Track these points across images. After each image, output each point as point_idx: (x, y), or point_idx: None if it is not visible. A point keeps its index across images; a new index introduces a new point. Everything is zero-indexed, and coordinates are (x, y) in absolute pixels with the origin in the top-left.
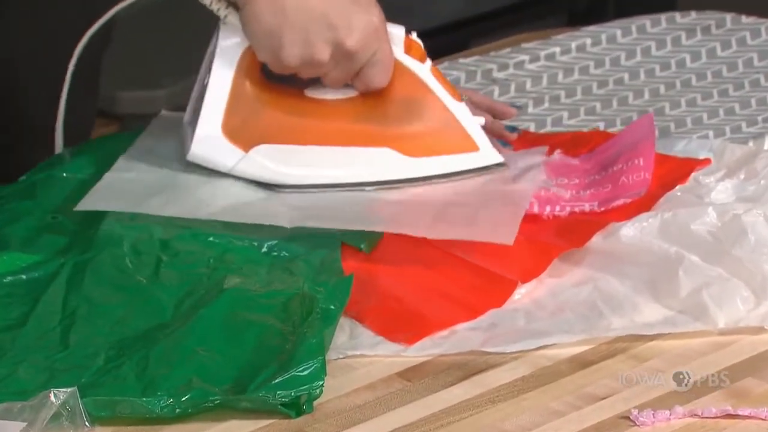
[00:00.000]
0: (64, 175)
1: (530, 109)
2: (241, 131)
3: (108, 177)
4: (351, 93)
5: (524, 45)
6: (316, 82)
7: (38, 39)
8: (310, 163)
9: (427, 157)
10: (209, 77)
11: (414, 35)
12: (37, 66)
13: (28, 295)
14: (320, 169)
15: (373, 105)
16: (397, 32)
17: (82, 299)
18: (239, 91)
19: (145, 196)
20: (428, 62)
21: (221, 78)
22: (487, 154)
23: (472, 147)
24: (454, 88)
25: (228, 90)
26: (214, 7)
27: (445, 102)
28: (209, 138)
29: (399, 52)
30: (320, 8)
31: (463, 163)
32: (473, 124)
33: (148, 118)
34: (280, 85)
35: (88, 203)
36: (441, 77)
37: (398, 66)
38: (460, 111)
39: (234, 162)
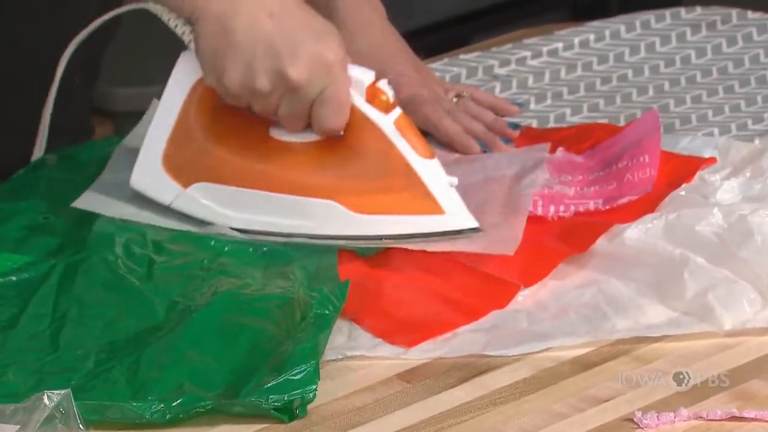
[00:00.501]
0: (57, 175)
1: (532, 106)
2: (182, 166)
3: (104, 177)
4: (314, 137)
5: (526, 41)
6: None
7: (33, 38)
8: (249, 208)
9: (377, 215)
10: (159, 105)
11: (384, 83)
12: (31, 64)
13: (18, 297)
14: (260, 215)
15: (329, 154)
16: (360, 77)
17: (73, 301)
18: (185, 122)
19: (140, 202)
20: (395, 112)
21: (169, 106)
22: (456, 218)
23: (436, 209)
24: (424, 143)
25: (174, 121)
26: (179, 30)
27: (407, 158)
28: (149, 169)
29: (358, 99)
30: (269, 32)
31: (424, 226)
32: (441, 184)
33: (142, 115)
34: (243, 121)
35: (85, 203)
36: (409, 130)
37: (359, 114)
38: (426, 169)
39: (172, 197)
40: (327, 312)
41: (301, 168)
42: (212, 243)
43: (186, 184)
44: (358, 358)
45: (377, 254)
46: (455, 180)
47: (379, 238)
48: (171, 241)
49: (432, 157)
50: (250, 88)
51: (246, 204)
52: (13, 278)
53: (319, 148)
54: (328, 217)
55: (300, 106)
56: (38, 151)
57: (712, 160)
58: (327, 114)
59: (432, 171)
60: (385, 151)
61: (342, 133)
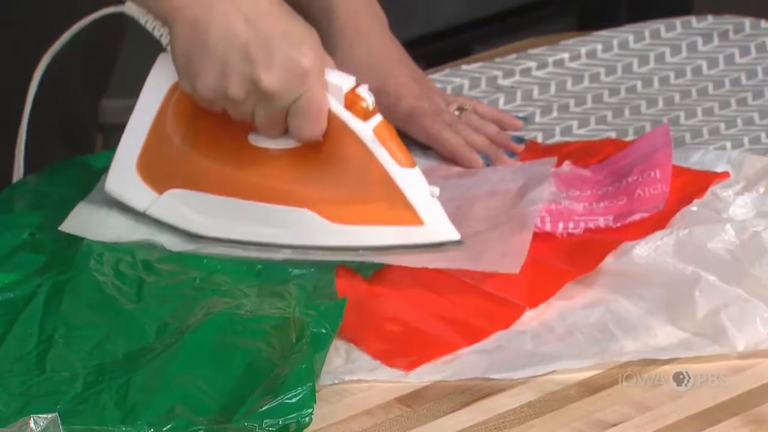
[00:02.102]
0: (45, 190)
1: (538, 119)
2: (157, 172)
3: (93, 197)
4: (292, 144)
5: (531, 51)
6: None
7: (20, 46)
8: (224, 215)
9: (354, 225)
10: (134, 109)
11: (363, 89)
12: (16, 73)
13: (3, 317)
14: (235, 223)
15: (306, 161)
16: (339, 83)
17: (60, 321)
18: (161, 127)
19: (130, 223)
20: (375, 119)
21: (144, 111)
22: (435, 229)
23: (415, 220)
24: (405, 151)
25: (149, 125)
26: (157, 33)
27: (386, 167)
28: (124, 174)
29: (337, 106)
30: (243, 38)
31: (402, 237)
32: (421, 194)
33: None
34: (221, 126)
35: (72, 226)
36: (389, 138)
37: (337, 122)
38: (406, 179)
39: (147, 203)
40: (324, 331)
41: (278, 176)
42: (204, 261)
43: (161, 190)
44: (356, 382)
45: (376, 271)
46: (437, 190)
47: (356, 249)
48: (162, 261)
49: (412, 166)
50: (223, 95)
51: (221, 211)
52: None
53: (297, 156)
54: (303, 227)
55: (275, 113)
56: (18, 166)
57: (725, 174)
58: (303, 122)
59: (412, 180)
60: (363, 159)
61: (321, 139)
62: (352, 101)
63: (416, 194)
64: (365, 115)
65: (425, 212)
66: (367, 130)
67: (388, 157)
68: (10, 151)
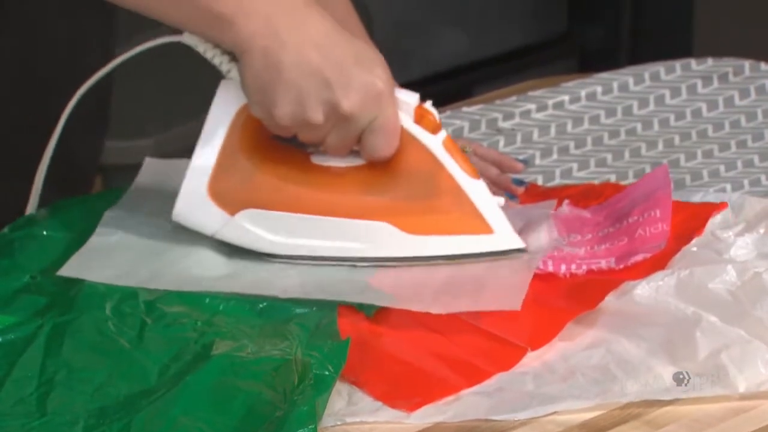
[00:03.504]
0: (45, 233)
1: (538, 161)
2: (229, 193)
3: (93, 240)
4: (358, 161)
5: (531, 93)
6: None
7: (30, 88)
8: (299, 233)
9: (429, 235)
10: (201, 134)
11: (428, 104)
12: (37, 109)
13: (3, 359)
14: (311, 240)
15: (377, 176)
16: (408, 99)
17: (61, 364)
18: (230, 151)
19: (131, 264)
20: (442, 134)
21: (212, 135)
22: (504, 237)
23: (485, 229)
24: (470, 164)
25: (218, 149)
26: (217, 60)
27: (456, 178)
28: (194, 198)
29: (408, 121)
30: (317, 65)
31: (473, 246)
32: (489, 203)
33: (133, 169)
34: (285, 148)
35: (72, 269)
36: (456, 151)
37: (407, 136)
38: (474, 189)
39: (219, 226)
40: (327, 373)
41: (352, 191)
42: (206, 301)
43: (233, 211)
44: (358, 424)
45: (379, 310)
46: (502, 200)
47: (432, 258)
48: (164, 302)
49: (478, 177)
50: (302, 120)
51: (297, 229)
52: None
53: (365, 172)
54: (382, 239)
55: (351, 134)
56: (32, 206)
57: (723, 205)
58: (379, 141)
59: (480, 191)
60: (434, 171)
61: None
62: (420, 116)
63: (485, 204)
64: (434, 129)
65: (494, 221)
66: (437, 143)
67: (457, 169)
68: (10, 189)
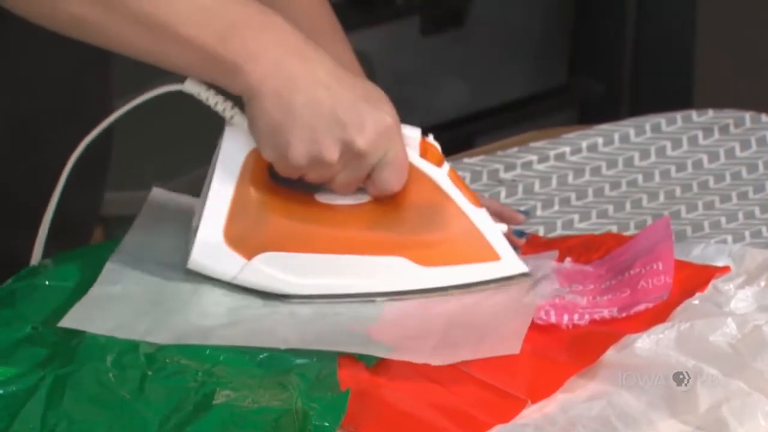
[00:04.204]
0: (47, 283)
1: (539, 212)
2: (244, 238)
3: (94, 291)
4: (364, 198)
5: (532, 144)
6: (324, 188)
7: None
8: (317, 272)
9: (443, 266)
10: (212, 182)
11: (431, 138)
12: (41, 160)
13: (4, 411)
14: (327, 279)
15: (386, 211)
16: (411, 134)
17: (62, 416)
18: (242, 196)
19: (131, 316)
20: (446, 166)
21: (224, 182)
22: (510, 263)
23: (493, 256)
24: (473, 193)
25: (231, 195)
26: (219, 107)
27: (463, 208)
28: (210, 246)
29: (414, 155)
30: (329, 104)
31: (484, 273)
32: (494, 231)
33: (133, 221)
34: (288, 190)
35: (73, 321)
36: (459, 181)
37: (413, 170)
38: (480, 218)
39: (236, 271)
40: (326, 424)
41: (364, 227)
42: (207, 352)
43: (250, 255)
44: None
45: (379, 360)
46: (504, 227)
47: (446, 288)
48: (164, 353)
49: (481, 206)
50: (317, 160)
51: (314, 269)
52: (0, 392)
53: (373, 208)
54: (398, 274)
55: (362, 171)
56: (36, 257)
57: (726, 269)
58: (390, 176)
59: (485, 220)
60: (442, 203)
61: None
62: (425, 150)
63: (490, 232)
64: (439, 161)
65: (500, 248)
66: (442, 175)
67: (463, 199)
68: (11, 239)
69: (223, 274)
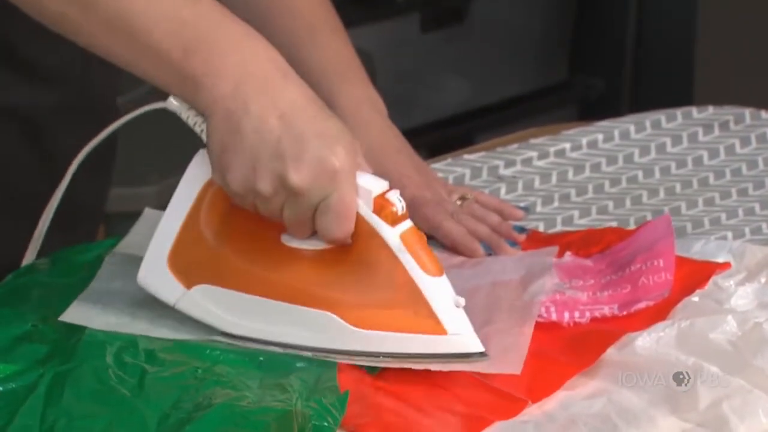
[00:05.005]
0: (47, 280)
1: (539, 208)
2: (186, 266)
3: (93, 286)
4: (323, 245)
5: (533, 141)
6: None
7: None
8: (250, 314)
9: (374, 331)
10: (170, 203)
11: (394, 194)
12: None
13: (4, 408)
14: (259, 323)
15: (334, 263)
16: (369, 187)
17: (62, 413)
18: (194, 222)
19: (131, 311)
20: (403, 225)
21: (178, 205)
22: (459, 340)
23: (438, 329)
24: (433, 258)
25: (181, 221)
26: (198, 129)
27: (411, 274)
28: (155, 268)
29: (365, 210)
30: (276, 135)
31: (423, 346)
32: (445, 303)
33: (136, 217)
34: (250, 225)
35: (73, 316)
36: (417, 244)
37: (365, 226)
38: (431, 287)
39: (175, 298)
40: (326, 424)
41: (305, 277)
42: (207, 352)
43: (189, 285)
44: None
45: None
46: (462, 300)
47: (377, 355)
48: (164, 350)
49: (440, 274)
50: (252, 189)
51: (246, 309)
52: (0, 388)
53: (327, 258)
54: (325, 330)
55: (302, 211)
56: (33, 248)
57: (726, 265)
58: (330, 221)
59: (437, 289)
60: (389, 265)
61: (349, 241)
62: (381, 206)
63: (441, 303)
64: (393, 221)
65: (448, 322)
66: (394, 236)
67: (414, 265)
68: (16, 231)
69: (164, 298)
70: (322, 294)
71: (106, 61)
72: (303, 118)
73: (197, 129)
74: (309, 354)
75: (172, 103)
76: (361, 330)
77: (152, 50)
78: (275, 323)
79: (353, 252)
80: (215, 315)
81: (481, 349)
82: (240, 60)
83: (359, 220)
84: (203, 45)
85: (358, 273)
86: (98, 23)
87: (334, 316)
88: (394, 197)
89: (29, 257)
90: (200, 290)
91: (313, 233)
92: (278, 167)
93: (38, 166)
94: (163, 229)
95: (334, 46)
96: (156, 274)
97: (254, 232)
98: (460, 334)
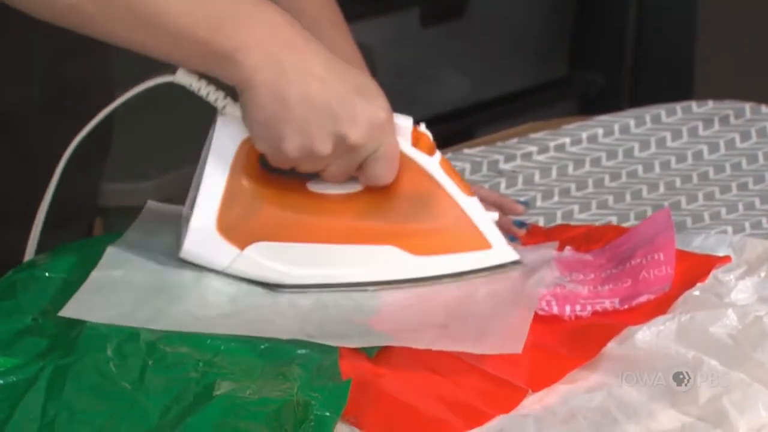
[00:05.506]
0: (47, 274)
1: (539, 203)
2: (237, 228)
3: (94, 276)
4: (356, 187)
5: (532, 135)
6: (317, 175)
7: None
8: (309, 262)
9: (434, 255)
10: (204, 171)
11: (422, 127)
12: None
13: (4, 402)
14: (320, 269)
15: (378, 201)
16: (404, 124)
17: (63, 406)
18: (235, 186)
19: (132, 303)
20: (437, 155)
21: (216, 172)
22: (501, 251)
23: (484, 244)
24: (464, 182)
25: (223, 185)
26: (212, 97)
27: (454, 197)
28: (203, 236)
29: (406, 145)
30: (322, 98)
31: (475, 262)
32: (485, 219)
33: (134, 212)
34: (280, 179)
35: (73, 310)
36: (451, 170)
37: (405, 159)
38: (471, 206)
39: (229, 261)
40: (327, 414)
41: (356, 217)
42: (208, 342)
43: (243, 245)
44: None
45: (380, 351)
46: (496, 215)
47: (438, 278)
48: (165, 342)
49: (473, 195)
50: (310, 153)
51: (306, 259)
52: (0, 382)
53: (365, 197)
54: (389, 263)
55: (353, 164)
56: (31, 248)
57: (726, 258)
58: (382, 169)
59: (476, 208)
60: (433, 192)
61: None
62: (416, 139)
63: (482, 220)
64: (430, 151)
65: (491, 236)
66: (434, 164)
67: (455, 187)
68: (7, 231)
69: (216, 263)
70: (378, 229)
71: (89, 56)
72: (339, 79)
73: (211, 98)
74: (373, 288)
75: (182, 75)
76: (422, 257)
77: (176, 33)
78: (337, 266)
79: (394, 186)
80: (274, 270)
81: (517, 257)
82: (265, 29)
83: (401, 155)
84: (228, 20)
85: (403, 205)
86: (115, 13)
87: (396, 248)
88: (425, 130)
89: (28, 255)
90: (255, 249)
91: (348, 179)
92: (335, 129)
93: (18, 167)
94: (205, 199)
95: (336, 40)
96: (205, 243)
97: (285, 185)
98: (500, 246)
